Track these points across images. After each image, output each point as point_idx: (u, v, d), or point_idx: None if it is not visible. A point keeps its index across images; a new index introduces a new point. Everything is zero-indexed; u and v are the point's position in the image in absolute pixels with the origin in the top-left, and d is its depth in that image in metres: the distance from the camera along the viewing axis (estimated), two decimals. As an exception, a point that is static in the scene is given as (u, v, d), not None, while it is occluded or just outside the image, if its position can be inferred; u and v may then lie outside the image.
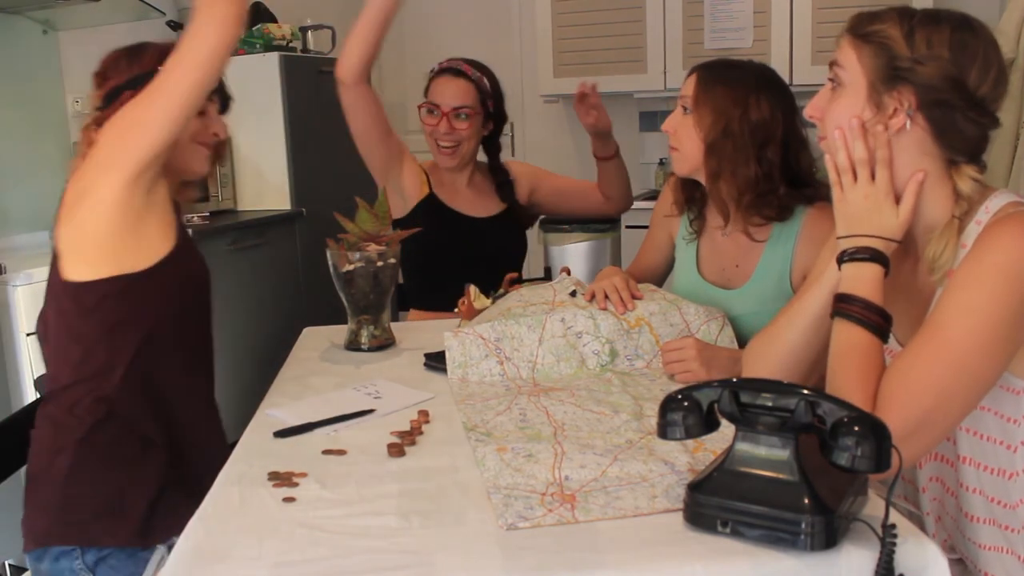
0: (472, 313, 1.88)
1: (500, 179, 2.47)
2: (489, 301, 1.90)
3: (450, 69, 2.37)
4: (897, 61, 1.18)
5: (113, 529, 1.47)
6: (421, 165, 2.42)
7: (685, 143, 1.76)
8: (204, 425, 1.67)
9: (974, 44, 1.17)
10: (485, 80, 2.37)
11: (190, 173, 1.68)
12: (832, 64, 1.25)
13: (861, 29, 1.22)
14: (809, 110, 1.29)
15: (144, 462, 1.51)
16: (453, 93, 2.33)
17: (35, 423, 1.55)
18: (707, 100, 1.72)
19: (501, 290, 1.95)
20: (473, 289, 1.91)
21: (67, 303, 1.51)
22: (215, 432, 1.71)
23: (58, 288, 1.52)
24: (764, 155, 1.69)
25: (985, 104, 1.18)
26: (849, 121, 1.21)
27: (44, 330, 1.58)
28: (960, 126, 1.18)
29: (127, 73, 1.58)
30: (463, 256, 2.34)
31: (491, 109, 2.39)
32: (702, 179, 1.79)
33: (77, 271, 1.49)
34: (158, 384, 1.54)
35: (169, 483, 1.52)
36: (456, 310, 1.93)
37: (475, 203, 2.43)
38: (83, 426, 1.49)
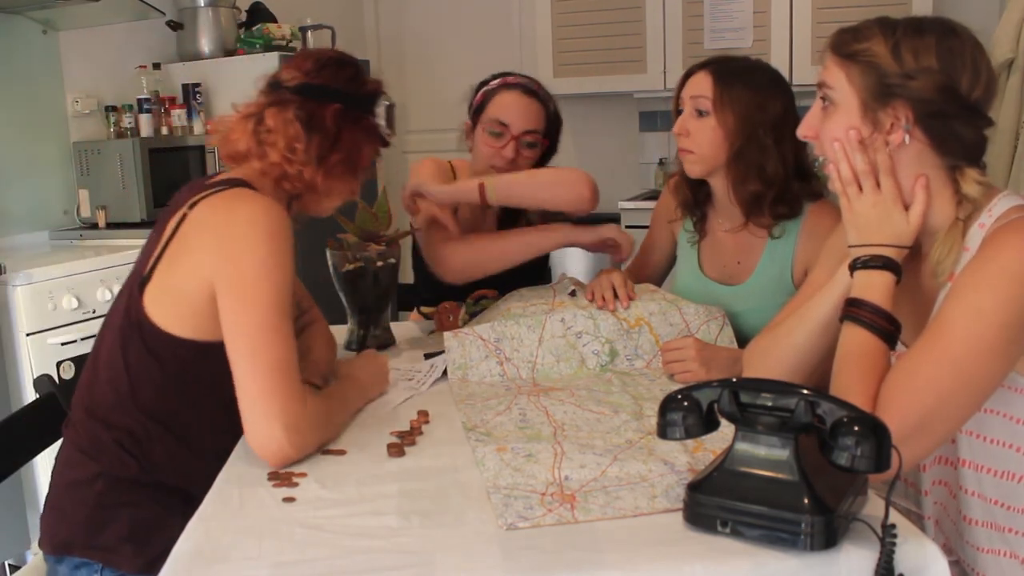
0: (452, 327, 1.80)
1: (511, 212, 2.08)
2: (467, 316, 1.88)
3: (520, 85, 2.04)
4: (887, 78, 1.18)
5: (136, 557, 1.40)
6: (449, 165, 2.12)
7: (704, 146, 1.73)
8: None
9: (961, 50, 1.17)
10: (552, 105, 2.07)
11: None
12: (821, 84, 1.25)
13: (846, 48, 1.22)
14: (803, 129, 1.28)
15: (172, 501, 1.42)
16: (524, 113, 2.01)
17: (72, 427, 1.46)
18: (730, 101, 1.71)
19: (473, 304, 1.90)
20: (463, 306, 1.89)
21: (136, 336, 1.41)
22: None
23: (134, 315, 1.41)
24: (782, 152, 1.71)
25: (980, 107, 1.18)
26: (847, 133, 1.21)
27: (99, 346, 1.48)
28: (958, 132, 1.18)
29: (340, 82, 1.50)
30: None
31: (551, 140, 2.06)
32: (714, 179, 1.78)
33: (158, 316, 1.40)
34: (198, 445, 1.45)
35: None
36: (436, 319, 1.91)
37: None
38: (125, 460, 1.41)
